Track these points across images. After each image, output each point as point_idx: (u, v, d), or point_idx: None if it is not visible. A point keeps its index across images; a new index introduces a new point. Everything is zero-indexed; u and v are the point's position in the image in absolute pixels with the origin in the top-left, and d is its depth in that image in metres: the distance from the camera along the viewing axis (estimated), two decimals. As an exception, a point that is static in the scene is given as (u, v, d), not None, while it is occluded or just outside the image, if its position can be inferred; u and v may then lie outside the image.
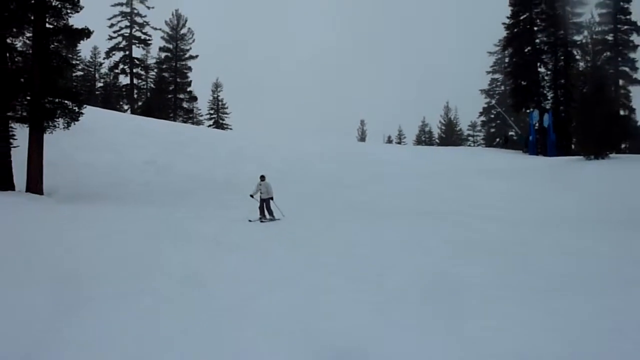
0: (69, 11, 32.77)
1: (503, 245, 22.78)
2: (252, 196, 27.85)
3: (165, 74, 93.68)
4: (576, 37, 67.95)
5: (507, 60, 78.85)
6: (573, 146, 57.93)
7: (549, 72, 67.50)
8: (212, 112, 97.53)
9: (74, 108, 32.11)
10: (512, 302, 15.12)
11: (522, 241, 23.75)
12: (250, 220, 26.08)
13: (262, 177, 28.28)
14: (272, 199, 27.71)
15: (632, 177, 39.72)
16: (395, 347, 11.28)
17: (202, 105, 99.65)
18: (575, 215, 29.94)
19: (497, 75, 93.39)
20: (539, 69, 67.38)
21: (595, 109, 48.83)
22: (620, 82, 63.74)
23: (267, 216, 27.02)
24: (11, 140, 31.36)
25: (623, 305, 14.64)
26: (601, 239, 24.15)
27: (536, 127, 61.13)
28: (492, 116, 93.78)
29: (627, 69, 66.42)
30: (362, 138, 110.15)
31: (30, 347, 10.80)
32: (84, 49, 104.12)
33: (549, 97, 66.45)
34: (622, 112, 60.42)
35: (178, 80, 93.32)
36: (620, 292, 16.09)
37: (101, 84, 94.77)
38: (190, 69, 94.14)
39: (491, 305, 14.85)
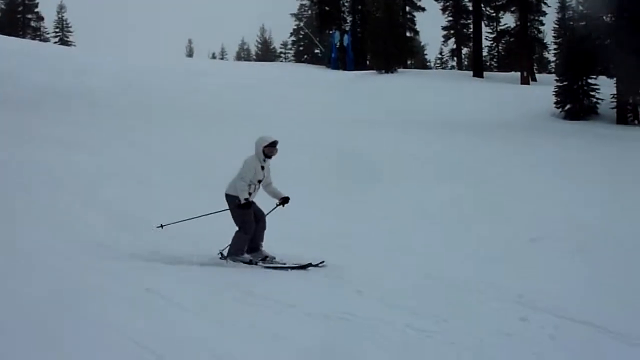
0: None
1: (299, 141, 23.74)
2: (247, 202, 10.02)
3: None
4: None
5: (313, -12, 78.69)
6: (368, 62, 59.01)
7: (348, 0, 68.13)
8: (57, 30, 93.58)
9: None
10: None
11: (315, 138, 24.75)
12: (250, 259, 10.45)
13: (272, 146, 10.26)
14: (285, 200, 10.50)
15: (413, 86, 41.86)
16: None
17: (50, 25, 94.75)
18: (363, 117, 31.03)
19: (305, 1, 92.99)
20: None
21: (386, 31, 50.19)
22: (407, 8, 64.88)
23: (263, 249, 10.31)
24: None
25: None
26: (373, 135, 25.52)
27: (337, 46, 61.71)
28: (301, 36, 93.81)
29: (413, -3, 67.59)
30: (190, 54, 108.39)
31: None
32: None
33: (348, 21, 66.97)
34: (408, 34, 61.92)
35: (26, 2, 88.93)
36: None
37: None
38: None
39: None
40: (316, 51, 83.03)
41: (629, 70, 35.38)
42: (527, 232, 12.62)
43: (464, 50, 71.38)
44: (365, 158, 20.88)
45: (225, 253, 9.97)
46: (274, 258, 10.02)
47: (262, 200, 10.43)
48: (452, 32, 67.56)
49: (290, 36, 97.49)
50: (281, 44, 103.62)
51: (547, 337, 6.66)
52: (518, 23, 53.54)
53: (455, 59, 75.23)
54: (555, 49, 67.75)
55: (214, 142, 23.24)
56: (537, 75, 55.38)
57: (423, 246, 11.53)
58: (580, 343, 6.60)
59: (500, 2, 55.69)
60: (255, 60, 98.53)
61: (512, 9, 54.99)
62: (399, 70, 50.59)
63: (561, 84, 37.07)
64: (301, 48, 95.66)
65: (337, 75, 50.76)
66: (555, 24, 68.75)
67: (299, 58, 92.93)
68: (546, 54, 73.33)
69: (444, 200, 15.64)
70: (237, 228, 10.01)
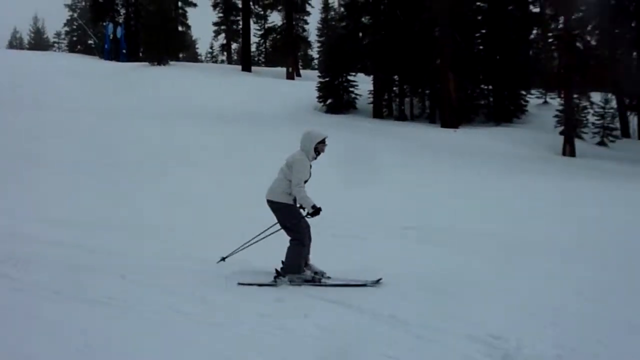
0: None
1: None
2: (317, 209, 7.96)
3: None
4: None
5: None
6: (141, 54, 57.26)
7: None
8: None
9: None
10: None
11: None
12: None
13: (324, 142, 8.19)
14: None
15: (185, 78, 41.59)
16: None
17: None
18: (132, 108, 30.05)
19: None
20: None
21: (158, 25, 48.95)
22: (179, 3, 63.59)
23: (311, 264, 8.36)
24: None
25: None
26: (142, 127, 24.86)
27: (111, 38, 59.35)
28: (75, 27, 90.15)
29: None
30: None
31: None
32: None
33: (122, 14, 64.63)
34: (180, 28, 61.02)
35: None
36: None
37: None
38: None
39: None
40: (90, 42, 79.77)
41: (384, 67, 36.82)
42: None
43: (234, 46, 71.57)
44: (135, 149, 20.35)
45: (280, 270, 8.09)
46: (325, 273, 8.23)
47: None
48: (222, 27, 67.22)
49: (64, 26, 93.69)
50: (55, 34, 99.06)
51: (302, 316, 6.63)
52: (284, 21, 54.21)
53: (225, 53, 75.02)
54: (318, 47, 69.18)
55: None
56: (302, 71, 56.55)
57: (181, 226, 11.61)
58: (332, 322, 6.53)
59: (268, 1, 56.35)
60: (28, 49, 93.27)
61: (279, 8, 55.72)
62: (170, 62, 49.59)
63: (323, 80, 38.07)
64: (75, 38, 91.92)
65: (110, 66, 48.74)
66: (319, 23, 70.12)
67: (72, 48, 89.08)
68: (310, 52, 74.82)
69: (224, 186, 15.57)
70: (291, 241, 8.15)
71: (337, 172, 18.98)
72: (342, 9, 48.72)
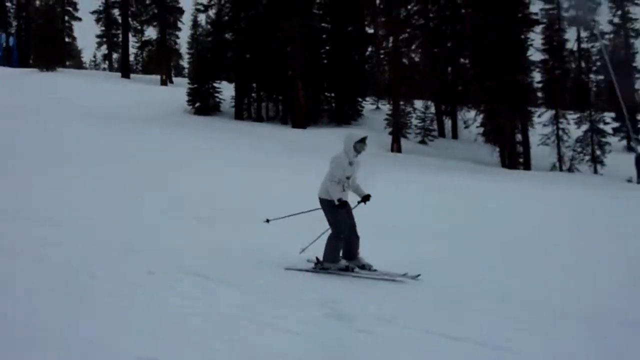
0: None
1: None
2: (341, 202, 7.76)
3: None
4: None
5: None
6: (31, 61, 54.74)
7: (14, 7, 62.67)
8: None
9: None
10: None
11: None
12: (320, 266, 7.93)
13: (363, 142, 7.84)
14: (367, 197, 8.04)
15: (72, 83, 40.33)
16: None
17: None
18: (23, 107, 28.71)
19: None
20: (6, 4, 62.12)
21: (47, 36, 48.22)
22: (66, 17, 61.07)
23: (361, 257, 7.94)
24: None
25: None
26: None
27: (4, 46, 56.50)
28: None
29: (71, 9, 63.43)
30: None
31: None
32: None
33: (13, 25, 61.98)
34: (67, 39, 59.19)
35: None
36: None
37: None
38: None
39: None
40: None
41: (245, 77, 36.98)
42: (164, 203, 12.10)
43: (115, 55, 69.62)
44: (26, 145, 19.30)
45: (320, 259, 7.89)
46: (372, 266, 7.85)
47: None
48: (104, 39, 65.06)
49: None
50: None
51: (167, 287, 6.58)
52: (159, 35, 53.65)
53: (107, 62, 72.92)
54: (188, 58, 68.38)
55: None
56: (174, 79, 56.39)
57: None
58: (193, 289, 6.59)
59: (145, 18, 55.43)
60: None
61: (154, 24, 54.83)
62: (58, 69, 48.18)
63: (192, 86, 38.17)
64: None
65: (2, 71, 46.21)
66: (189, 38, 69.39)
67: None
68: (181, 62, 73.93)
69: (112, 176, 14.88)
70: (330, 233, 7.89)
71: (200, 161, 18.98)
72: (208, 26, 48.39)
